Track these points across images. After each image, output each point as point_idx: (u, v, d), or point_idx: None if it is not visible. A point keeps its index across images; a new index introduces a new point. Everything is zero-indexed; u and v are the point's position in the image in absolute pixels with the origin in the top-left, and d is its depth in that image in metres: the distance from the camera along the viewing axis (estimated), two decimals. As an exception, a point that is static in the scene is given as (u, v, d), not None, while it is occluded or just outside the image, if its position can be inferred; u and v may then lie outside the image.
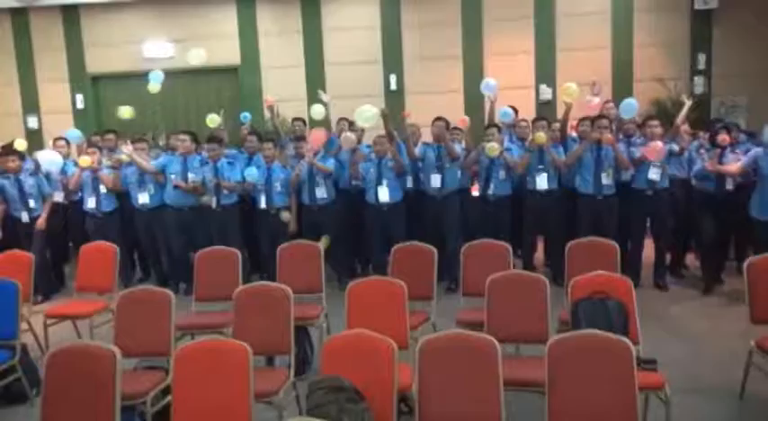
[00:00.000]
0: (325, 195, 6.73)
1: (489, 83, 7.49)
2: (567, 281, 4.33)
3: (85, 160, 6.85)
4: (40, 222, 6.75)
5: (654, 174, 6.24)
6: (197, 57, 7.36)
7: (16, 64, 10.18)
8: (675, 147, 6.49)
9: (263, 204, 6.70)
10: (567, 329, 3.88)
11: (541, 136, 6.37)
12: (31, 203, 6.79)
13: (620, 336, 2.97)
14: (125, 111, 7.35)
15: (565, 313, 4.26)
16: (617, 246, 4.78)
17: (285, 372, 3.71)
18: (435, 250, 4.87)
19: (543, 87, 9.42)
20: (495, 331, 3.42)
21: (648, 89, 9.06)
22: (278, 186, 6.70)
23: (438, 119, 6.82)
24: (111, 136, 7.82)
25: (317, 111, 7.34)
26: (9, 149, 7.10)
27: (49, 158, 6.94)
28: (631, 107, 6.45)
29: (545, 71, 9.41)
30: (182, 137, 6.92)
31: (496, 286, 3.94)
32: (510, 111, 7.35)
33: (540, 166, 6.56)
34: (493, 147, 6.39)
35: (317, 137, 6.74)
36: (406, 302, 3.93)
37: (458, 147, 6.77)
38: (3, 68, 10.15)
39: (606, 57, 9.32)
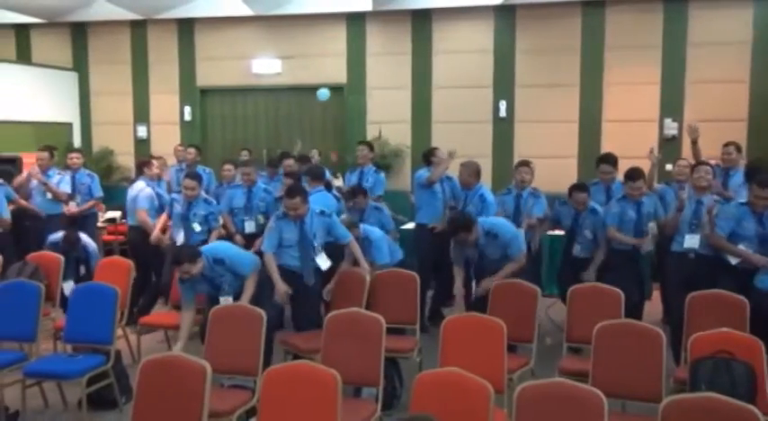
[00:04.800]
0: None
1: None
2: (685, 337, 4.13)
3: None
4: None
5: None
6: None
7: (132, 74, 10.97)
8: None
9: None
10: (682, 390, 3.70)
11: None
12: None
13: (747, 404, 2.79)
14: None
15: (681, 372, 4.05)
16: (746, 300, 4.50)
17: (373, 405, 3.74)
18: (539, 289, 4.79)
19: (668, 122, 9.08)
20: (602, 384, 3.30)
21: (791, 130, 8.56)
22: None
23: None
24: (192, 149, 8.10)
25: None
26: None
27: None
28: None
29: (671, 104, 9.07)
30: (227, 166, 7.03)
31: (606, 335, 3.80)
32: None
33: (695, 221, 5.34)
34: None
35: None
36: (504, 343, 3.87)
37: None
38: (119, 78, 10.97)
39: (743, 91, 8.87)
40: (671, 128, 9.06)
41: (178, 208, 6.18)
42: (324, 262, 5.13)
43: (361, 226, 5.63)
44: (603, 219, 5.75)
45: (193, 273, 4.60)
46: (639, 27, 9.12)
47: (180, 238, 6.13)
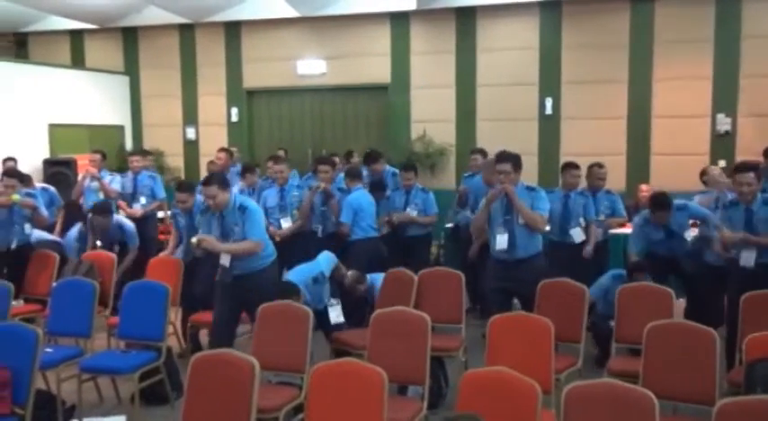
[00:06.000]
0: None
1: None
2: (740, 338, 4.01)
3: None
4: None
5: None
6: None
7: (181, 77, 11.20)
8: None
9: None
10: (737, 392, 3.60)
11: None
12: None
13: (807, 408, 2.70)
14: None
15: (736, 374, 3.94)
16: (805, 301, 4.34)
17: (418, 403, 3.73)
18: (587, 289, 4.71)
19: (721, 117, 8.82)
20: (653, 385, 3.23)
21: None
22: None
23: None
24: (222, 155, 7.99)
25: None
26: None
27: None
28: None
29: (724, 99, 8.81)
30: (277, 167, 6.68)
31: (656, 335, 3.72)
32: None
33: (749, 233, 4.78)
34: None
35: None
36: (552, 342, 3.83)
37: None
38: (169, 81, 11.21)
39: (800, 85, 8.58)
40: (724, 123, 8.80)
41: (182, 221, 5.84)
42: (337, 316, 5.00)
43: (368, 277, 5.46)
44: None
45: (217, 200, 4.61)
46: (690, 20, 8.89)
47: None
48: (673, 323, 3.90)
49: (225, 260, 4.70)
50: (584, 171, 6.28)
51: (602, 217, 6.14)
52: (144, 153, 8.34)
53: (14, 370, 3.60)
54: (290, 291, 4.69)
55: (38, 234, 6.44)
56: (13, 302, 5.08)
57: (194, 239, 4.69)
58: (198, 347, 5.62)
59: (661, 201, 5.49)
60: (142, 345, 4.71)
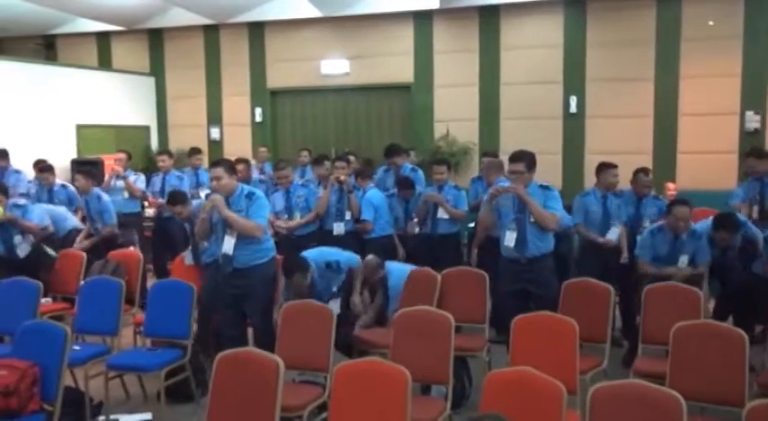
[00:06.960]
0: None
1: None
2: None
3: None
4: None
5: None
6: None
7: (205, 78, 11.29)
8: None
9: None
10: (766, 395, 3.54)
11: None
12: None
13: (839, 411, 2.64)
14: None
15: (765, 376, 3.87)
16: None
17: (442, 403, 3.72)
18: (612, 289, 4.66)
19: (750, 114, 8.68)
20: (680, 386, 3.19)
21: None
22: None
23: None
24: (241, 166, 7.84)
25: None
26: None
27: None
28: None
29: (754, 96, 8.67)
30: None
31: (684, 336, 3.67)
32: None
33: None
34: None
35: None
36: (576, 343, 3.79)
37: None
38: (194, 82, 11.32)
39: (832, 81, 8.41)
40: (753, 121, 8.66)
41: (188, 228, 5.86)
42: (337, 308, 4.89)
43: (386, 265, 5.39)
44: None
45: (222, 183, 4.70)
46: (719, 16, 8.75)
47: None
48: (700, 323, 3.84)
49: (228, 248, 4.72)
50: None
51: (647, 223, 5.91)
52: (194, 151, 8.37)
53: (43, 367, 3.67)
54: (300, 265, 4.75)
55: (72, 222, 6.71)
56: (42, 300, 5.15)
57: (207, 202, 4.77)
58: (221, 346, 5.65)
59: (729, 224, 5.30)
60: (168, 343, 4.75)
